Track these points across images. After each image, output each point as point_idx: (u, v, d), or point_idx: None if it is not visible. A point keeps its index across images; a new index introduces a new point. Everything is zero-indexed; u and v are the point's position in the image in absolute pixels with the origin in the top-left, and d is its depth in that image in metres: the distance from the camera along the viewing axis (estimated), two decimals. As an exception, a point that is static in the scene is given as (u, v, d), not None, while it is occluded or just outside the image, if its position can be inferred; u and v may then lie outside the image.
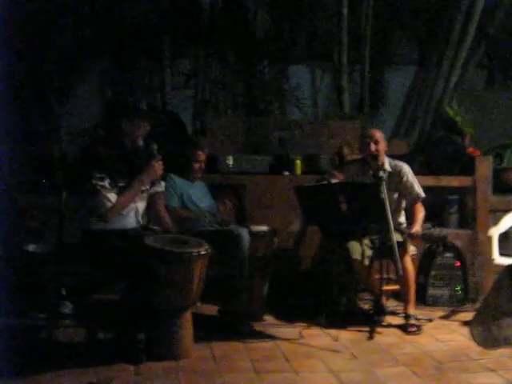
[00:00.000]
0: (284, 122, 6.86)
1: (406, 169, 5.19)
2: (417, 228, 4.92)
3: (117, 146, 4.13)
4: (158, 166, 4.16)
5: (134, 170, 4.12)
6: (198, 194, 5.14)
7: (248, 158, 5.93)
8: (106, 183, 3.98)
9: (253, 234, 4.73)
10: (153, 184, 4.31)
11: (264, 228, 4.94)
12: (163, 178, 4.85)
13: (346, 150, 5.96)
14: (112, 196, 3.99)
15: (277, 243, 4.91)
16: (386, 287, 5.04)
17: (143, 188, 4.19)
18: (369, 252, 4.90)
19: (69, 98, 7.15)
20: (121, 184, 4.03)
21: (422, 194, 5.17)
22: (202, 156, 5.15)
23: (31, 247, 4.95)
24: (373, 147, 5.03)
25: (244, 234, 4.62)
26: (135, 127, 4.15)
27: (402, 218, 5.19)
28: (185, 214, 4.96)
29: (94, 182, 3.95)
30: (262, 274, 4.83)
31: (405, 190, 5.15)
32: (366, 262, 4.86)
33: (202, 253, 4.05)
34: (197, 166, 5.12)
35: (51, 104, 6.81)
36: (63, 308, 4.74)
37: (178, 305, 4.04)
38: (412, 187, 5.15)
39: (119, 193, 4.02)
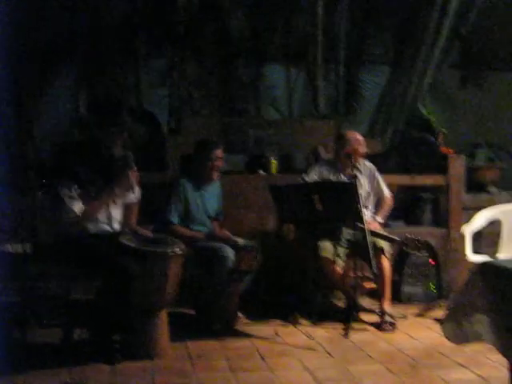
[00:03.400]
0: (260, 121, 6.88)
1: (374, 169, 5.35)
2: (378, 220, 5.16)
3: (91, 153, 4.12)
4: (133, 177, 4.13)
5: (108, 178, 4.10)
6: (206, 202, 5.01)
7: (224, 157, 5.93)
8: (73, 192, 3.96)
9: (238, 249, 4.69)
10: (127, 191, 4.28)
11: (250, 243, 4.83)
12: (173, 183, 4.82)
13: (321, 150, 5.98)
14: (76, 205, 3.98)
15: (260, 259, 4.82)
16: (361, 285, 5.10)
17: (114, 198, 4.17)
18: (341, 251, 4.94)
19: (43, 97, 7.09)
20: (91, 192, 4.02)
21: (388, 193, 5.37)
22: (218, 153, 4.97)
23: (6, 248, 4.90)
24: (361, 149, 5.13)
25: (230, 254, 4.58)
26: (112, 136, 4.13)
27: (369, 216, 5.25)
28: (187, 234, 4.83)
29: (58, 189, 3.94)
30: (240, 282, 4.81)
31: (376, 190, 5.30)
32: (338, 260, 4.90)
33: (178, 252, 4.05)
34: (214, 165, 4.95)
35: (25, 104, 6.75)
36: (38, 308, 4.71)
37: (153, 304, 4.04)
38: (382, 187, 5.34)
39: (87, 202, 4.01)
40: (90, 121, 4.19)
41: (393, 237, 4.96)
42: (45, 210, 4.93)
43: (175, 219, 4.84)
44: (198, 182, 4.98)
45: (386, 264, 4.97)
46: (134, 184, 4.16)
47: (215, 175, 5.00)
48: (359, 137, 5.23)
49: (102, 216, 4.16)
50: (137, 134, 5.46)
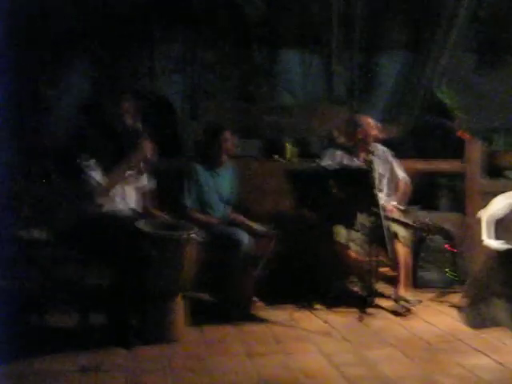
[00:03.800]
0: (275, 106, 6.86)
1: (387, 151, 5.32)
2: (394, 205, 5.12)
3: (103, 127, 4.13)
4: (147, 146, 4.15)
5: (122, 150, 4.12)
6: (220, 186, 5.02)
7: (238, 143, 5.91)
8: (92, 163, 3.99)
9: (253, 234, 4.70)
10: (139, 173, 4.31)
11: (265, 228, 4.84)
12: (186, 169, 4.83)
13: (336, 134, 5.95)
14: (97, 174, 4.00)
15: (276, 244, 4.84)
16: (377, 270, 5.10)
17: (131, 171, 4.19)
18: (356, 236, 4.93)
19: (57, 83, 7.10)
20: (107, 164, 4.04)
21: (402, 176, 5.35)
22: (227, 136, 4.98)
23: (23, 234, 4.94)
24: (374, 133, 5.11)
25: (245, 239, 4.60)
26: (118, 104, 4.14)
27: (386, 200, 5.22)
28: (203, 219, 4.84)
29: (78, 161, 3.96)
30: (256, 267, 4.81)
31: (390, 173, 5.28)
32: (353, 246, 4.90)
33: (194, 237, 4.06)
34: (223, 148, 4.96)
35: (40, 89, 6.77)
36: (55, 293, 4.74)
37: (169, 288, 4.05)
38: (397, 171, 5.34)
39: (105, 173, 4.03)
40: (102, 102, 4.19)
41: (407, 221, 4.93)
42: (60, 197, 4.95)
43: (190, 203, 4.85)
44: (209, 166, 4.99)
45: (402, 249, 4.95)
46: (149, 152, 4.17)
47: (225, 158, 5.02)
48: (371, 121, 5.22)
49: (117, 194, 4.18)
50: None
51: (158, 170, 4.74)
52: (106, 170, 4.06)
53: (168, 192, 4.90)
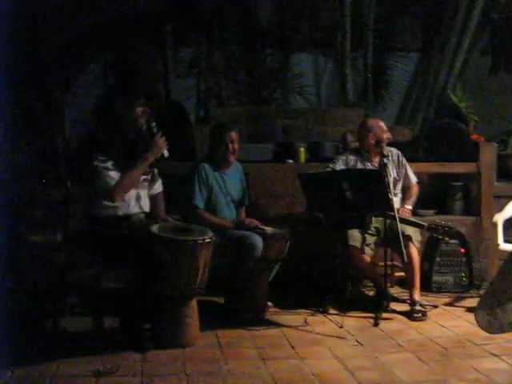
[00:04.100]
0: (287, 110, 6.86)
1: (401, 155, 5.32)
2: (407, 207, 5.14)
3: (117, 130, 4.15)
4: (162, 143, 4.17)
5: (136, 152, 4.14)
6: (228, 186, 4.99)
7: (252, 146, 5.92)
8: (109, 164, 4.00)
9: (267, 237, 4.66)
10: (152, 180, 4.33)
11: (279, 231, 4.79)
12: (194, 169, 4.84)
13: (349, 137, 5.95)
14: (115, 174, 4.02)
15: (289, 248, 4.79)
16: (391, 274, 5.08)
17: (146, 175, 4.21)
18: (370, 239, 4.92)
19: (71, 87, 7.14)
20: (123, 165, 4.06)
21: (416, 179, 5.34)
22: (232, 136, 4.94)
23: (36, 238, 4.96)
24: (386, 136, 5.10)
25: (258, 242, 4.56)
26: (133, 110, 4.16)
27: (399, 203, 5.20)
28: (213, 220, 4.81)
29: (95, 163, 3.98)
30: (269, 271, 4.81)
31: (403, 176, 5.29)
32: (367, 249, 4.89)
33: (207, 240, 4.06)
34: (229, 148, 4.91)
35: (54, 94, 6.80)
36: (69, 297, 4.76)
37: (183, 293, 4.05)
38: (409, 174, 5.32)
39: (123, 173, 4.05)
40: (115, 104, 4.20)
41: (421, 222, 4.90)
42: (73, 201, 4.97)
43: (200, 203, 4.84)
44: (217, 166, 4.97)
45: (415, 253, 4.92)
46: (163, 147, 4.18)
47: (232, 158, 4.98)
48: (383, 124, 5.20)
49: (131, 196, 4.19)
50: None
51: (169, 174, 4.74)
52: (124, 171, 4.07)
53: (180, 196, 4.91)
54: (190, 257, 3.97)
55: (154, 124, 4.21)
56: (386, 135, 5.16)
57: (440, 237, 4.88)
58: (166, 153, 4.22)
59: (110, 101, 4.26)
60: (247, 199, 5.18)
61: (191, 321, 4.13)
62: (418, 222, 4.93)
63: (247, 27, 7.60)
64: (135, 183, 4.17)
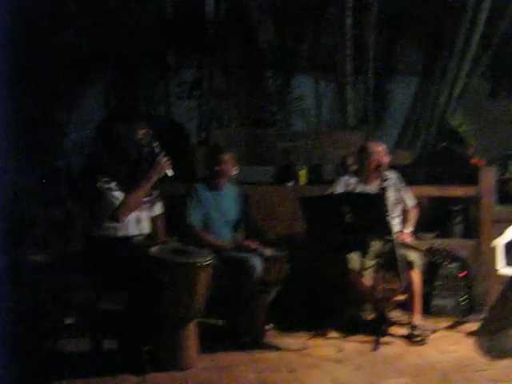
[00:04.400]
0: (288, 132, 6.89)
1: (400, 178, 5.32)
2: (407, 232, 5.12)
3: (119, 152, 4.16)
4: (165, 162, 4.18)
5: (139, 173, 4.15)
6: (223, 207, 4.98)
7: (252, 169, 5.93)
8: (113, 185, 4.01)
9: (266, 259, 4.65)
10: (154, 202, 4.33)
11: (278, 253, 4.78)
12: (188, 190, 4.85)
13: (349, 160, 5.96)
14: (119, 194, 4.02)
15: (288, 270, 4.77)
16: (390, 297, 5.06)
17: (148, 197, 4.22)
18: (369, 263, 4.91)
19: (73, 108, 7.18)
20: (127, 186, 4.07)
21: (413, 203, 5.32)
22: (224, 158, 4.95)
23: (36, 257, 4.95)
24: (385, 160, 5.10)
25: (257, 264, 4.55)
26: (134, 132, 4.18)
27: (398, 226, 5.20)
28: (209, 239, 4.80)
29: (99, 184, 3.99)
30: (268, 293, 4.80)
31: (401, 199, 5.27)
32: (366, 273, 4.87)
33: (206, 263, 4.05)
34: (221, 169, 4.93)
35: (56, 114, 6.84)
36: (67, 318, 4.74)
37: (182, 315, 4.04)
38: (407, 197, 5.30)
39: (127, 193, 4.05)
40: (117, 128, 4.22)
41: (419, 247, 4.91)
42: (74, 221, 4.97)
43: (195, 222, 4.84)
44: (211, 187, 4.99)
45: (417, 277, 4.91)
46: (166, 167, 4.19)
47: (223, 180, 4.99)
48: (383, 148, 5.21)
49: (130, 218, 4.19)
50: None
51: (170, 195, 4.75)
52: (127, 192, 4.08)
53: (180, 216, 4.90)
54: (189, 279, 3.97)
55: (156, 144, 4.22)
56: (387, 159, 5.17)
57: (439, 260, 4.88)
58: (170, 172, 4.23)
59: (112, 123, 4.27)
60: (244, 221, 5.18)
61: (190, 343, 4.11)
62: (416, 247, 4.93)
63: (248, 49, 7.65)
64: (139, 203, 4.18)
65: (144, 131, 4.21)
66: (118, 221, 4.06)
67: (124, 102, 7.18)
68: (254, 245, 4.84)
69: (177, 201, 4.97)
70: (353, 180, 5.24)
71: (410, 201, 5.32)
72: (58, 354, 4.32)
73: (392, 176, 5.27)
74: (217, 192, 4.99)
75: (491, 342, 2.74)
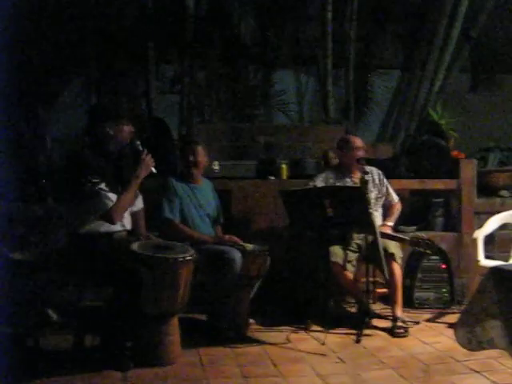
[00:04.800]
0: (269, 126, 6.89)
1: (382, 174, 5.38)
2: (388, 224, 5.18)
3: (103, 151, 4.14)
4: (149, 160, 4.17)
5: (122, 173, 4.13)
6: (200, 200, 4.99)
7: (234, 163, 5.93)
8: (103, 185, 3.99)
9: (246, 254, 4.64)
10: (135, 196, 4.31)
11: (258, 247, 4.77)
12: (163, 184, 4.84)
13: (331, 155, 5.97)
14: (112, 196, 4.00)
15: (269, 262, 4.78)
16: (373, 290, 5.09)
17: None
18: (352, 256, 4.93)
19: (54, 104, 7.12)
20: (114, 185, 4.05)
21: (397, 198, 5.39)
22: (196, 148, 4.99)
23: (17, 255, 4.92)
24: (361, 153, 5.12)
25: (237, 257, 4.53)
26: (119, 130, 4.16)
27: (379, 220, 5.23)
28: (189, 232, 4.82)
29: (88, 184, 3.95)
30: (250, 288, 4.79)
31: (384, 194, 5.34)
32: (349, 266, 4.89)
33: (188, 258, 4.05)
34: (191, 161, 4.96)
35: (36, 111, 6.78)
36: (49, 315, 4.71)
37: (164, 310, 4.03)
38: (390, 192, 5.37)
39: (118, 193, 4.04)
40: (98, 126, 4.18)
41: (403, 237, 4.94)
42: (55, 218, 4.94)
43: (171, 215, 4.83)
44: (185, 180, 5.00)
45: (397, 269, 4.95)
46: (151, 164, 4.17)
47: (197, 173, 5.02)
48: (359, 141, 5.24)
49: None
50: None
51: (150, 190, 4.71)
52: (115, 191, 4.05)
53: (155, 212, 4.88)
54: (170, 274, 3.96)
55: (138, 142, 4.21)
56: (363, 153, 5.18)
57: (422, 250, 4.91)
58: (153, 169, 4.23)
59: (93, 121, 4.24)
60: (222, 217, 5.18)
61: (173, 338, 4.11)
62: (400, 236, 4.97)
63: (230, 44, 7.63)
64: (132, 202, 4.18)
65: (127, 128, 4.19)
66: (113, 222, 4.04)
67: (105, 98, 7.14)
68: (234, 239, 4.83)
69: (153, 196, 4.94)
70: (332, 174, 5.27)
71: (394, 196, 5.36)
72: (41, 351, 4.29)
73: (373, 171, 5.30)
74: (192, 185, 4.99)
75: (470, 334, 2.76)
